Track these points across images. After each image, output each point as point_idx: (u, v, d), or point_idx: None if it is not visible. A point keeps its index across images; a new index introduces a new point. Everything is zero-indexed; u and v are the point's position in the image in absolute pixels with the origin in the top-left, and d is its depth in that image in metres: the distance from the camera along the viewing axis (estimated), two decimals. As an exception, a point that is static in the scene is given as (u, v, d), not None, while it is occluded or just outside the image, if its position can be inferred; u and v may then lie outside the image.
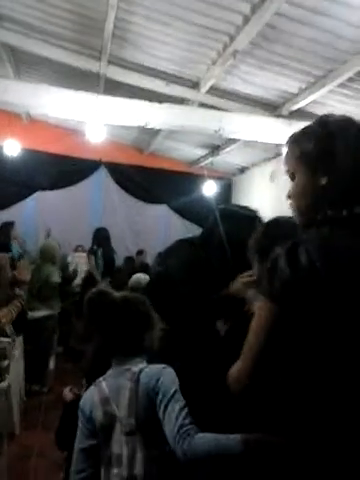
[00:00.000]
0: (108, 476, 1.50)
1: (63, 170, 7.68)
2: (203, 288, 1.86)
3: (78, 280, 6.53)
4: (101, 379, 1.59)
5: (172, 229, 8.30)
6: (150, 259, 7.29)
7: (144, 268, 6.13)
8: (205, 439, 1.34)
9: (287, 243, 1.10)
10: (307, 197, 1.18)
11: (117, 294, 1.75)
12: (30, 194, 7.81)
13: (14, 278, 3.64)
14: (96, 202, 8.15)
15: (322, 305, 1.04)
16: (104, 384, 1.56)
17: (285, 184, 1.26)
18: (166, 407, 1.42)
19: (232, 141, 6.42)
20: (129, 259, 7.23)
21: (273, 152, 6.49)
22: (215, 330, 1.87)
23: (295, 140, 1.22)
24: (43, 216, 7.62)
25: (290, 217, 1.29)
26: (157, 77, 5.02)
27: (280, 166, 1.31)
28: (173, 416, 1.39)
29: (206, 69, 4.64)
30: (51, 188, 7.85)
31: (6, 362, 3.22)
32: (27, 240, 6.97)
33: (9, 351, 3.32)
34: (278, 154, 6.13)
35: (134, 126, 5.44)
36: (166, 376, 1.48)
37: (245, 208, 2.07)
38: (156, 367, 1.54)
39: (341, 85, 4.20)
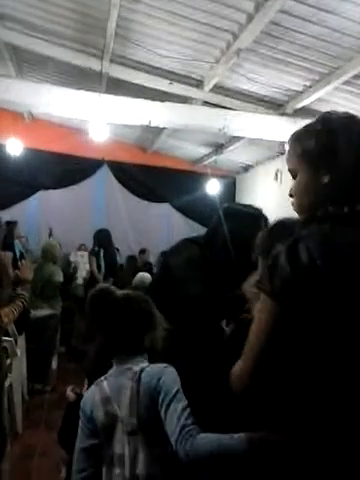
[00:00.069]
0: (110, 476, 1.49)
1: (66, 169, 7.69)
2: (207, 287, 1.84)
3: (79, 280, 6.53)
4: (102, 378, 1.58)
5: (175, 228, 8.30)
6: (153, 258, 7.30)
7: (147, 267, 6.12)
8: (207, 439, 1.32)
9: (288, 240, 1.09)
10: (309, 195, 1.17)
11: (120, 292, 1.74)
12: (33, 193, 7.83)
13: (16, 277, 3.64)
14: (99, 201, 8.15)
15: (323, 302, 1.04)
16: (105, 384, 1.55)
17: (289, 182, 1.25)
18: (168, 407, 1.40)
19: (236, 139, 6.40)
20: (132, 258, 7.22)
21: (277, 150, 6.46)
22: (219, 329, 1.85)
23: (297, 138, 1.21)
24: (46, 215, 7.63)
25: (297, 218, 1.27)
26: (160, 76, 5.00)
27: (284, 164, 1.29)
28: (175, 416, 1.38)
29: (210, 67, 4.62)
30: (54, 187, 7.86)
31: (8, 361, 3.22)
32: (30, 239, 6.99)
33: (11, 350, 3.32)
34: (282, 152, 6.11)
35: (137, 125, 5.43)
36: (168, 375, 1.47)
37: (249, 206, 2.06)
38: (157, 366, 1.52)
39: (346, 82, 4.18)
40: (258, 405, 1.26)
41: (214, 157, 7.56)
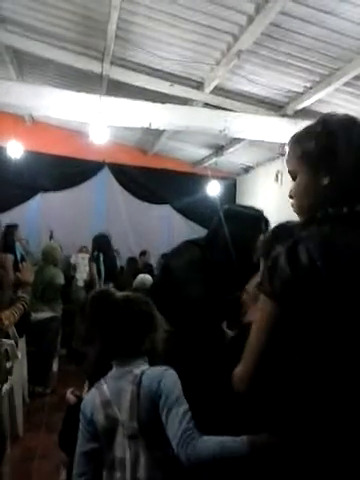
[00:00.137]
0: None
1: (66, 172, 7.69)
2: (208, 289, 1.84)
3: (80, 282, 6.52)
4: (102, 381, 1.57)
5: (176, 230, 8.29)
6: (153, 260, 7.30)
7: (147, 269, 6.12)
8: (209, 443, 1.32)
9: (287, 241, 1.09)
10: (309, 196, 1.17)
11: (119, 294, 1.73)
12: (33, 196, 7.83)
13: (17, 280, 3.64)
14: (99, 203, 8.16)
15: (323, 303, 1.04)
16: (105, 387, 1.54)
17: (290, 184, 1.26)
18: (169, 411, 1.39)
19: (237, 141, 6.40)
20: (132, 260, 7.22)
21: (278, 152, 6.45)
22: (220, 331, 1.85)
23: (297, 140, 1.21)
24: (46, 217, 7.62)
25: (299, 221, 1.28)
26: (161, 78, 5.01)
27: (285, 166, 1.29)
28: (176, 420, 1.37)
29: (210, 69, 4.63)
30: (54, 189, 7.86)
31: (9, 364, 3.21)
32: (30, 241, 6.98)
33: (12, 353, 3.31)
34: (283, 154, 6.11)
35: (138, 127, 5.43)
36: (168, 378, 1.46)
37: (250, 208, 2.06)
38: (158, 369, 1.51)
39: (347, 84, 4.18)
40: (259, 406, 1.26)
41: (215, 159, 7.56)
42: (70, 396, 2.07)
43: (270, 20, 3.41)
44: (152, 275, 5.04)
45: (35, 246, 6.78)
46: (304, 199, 1.19)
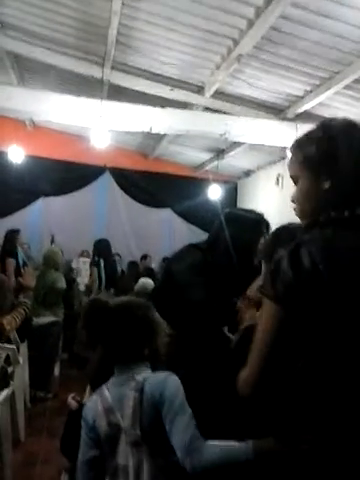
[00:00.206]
0: None
1: (67, 176, 7.71)
2: (210, 292, 1.84)
3: (81, 286, 6.52)
4: (104, 388, 1.55)
5: (177, 233, 8.30)
6: (155, 264, 7.29)
7: (149, 273, 6.11)
8: (214, 450, 1.30)
9: (290, 244, 1.10)
10: (311, 201, 1.18)
11: (112, 301, 1.69)
12: (34, 200, 7.85)
13: (19, 284, 3.64)
14: (100, 207, 8.17)
15: (325, 307, 1.04)
16: (107, 393, 1.52)
17: (290, 187, 1.27)
18: (172, 418, 1.38)
19: (237, 144, 6.41)
20: (133, 264, 7.21)
21: (279, 155, 6.47)
22: (222, 335, 1.85)
23: (298, 145, 1.23)
24: (48, 222, 7.63)
25: (300, 223, 1.28)
26: (161, 82, 5.02)
27: (285, 169, 1.30)
28: (181, 428, 1.35)
29: (210, 73, 4.64)
30: (55, 194, 7.88)
31: (11, 369, 3.20)
32: (31, 246, 6.98)
33: (14, 358, 3.30)
34: (283, 157, 6.11)
35: (138, 131, 5.44)
36: (170, 384, 1.44)
37: (251, 211, 2.06)
38: (160, 375, 1.49)
39: (347, 87, 4.19)
40: (264, 410, 1.26)
41: (215, 162, 7.57)
42: (71, 401, 2.07)
43: (270, 24, 3.42)
44: (153, 279, 5.03)
45: (36, 251, 6.78)
46: (306, 203, 1.20)
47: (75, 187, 7.97)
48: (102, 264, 6.01)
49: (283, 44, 3.78)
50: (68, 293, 5.61)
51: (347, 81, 4.02)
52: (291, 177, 1.25)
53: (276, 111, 5.14)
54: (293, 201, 1.24)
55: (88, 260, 6.65)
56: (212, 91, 4.86)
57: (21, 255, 6.00)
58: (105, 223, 7.84)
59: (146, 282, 4.77)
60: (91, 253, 6.55)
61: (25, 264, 5.57)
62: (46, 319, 4.87)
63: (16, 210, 7.62)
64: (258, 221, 1.97)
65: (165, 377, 1.47)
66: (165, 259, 6.95)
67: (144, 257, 7.50)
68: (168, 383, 1.44)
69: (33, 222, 7.62)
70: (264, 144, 5.45)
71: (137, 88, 5.10)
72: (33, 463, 3.41)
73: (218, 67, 4.42)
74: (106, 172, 8.18)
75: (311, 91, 4.49)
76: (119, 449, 1.46)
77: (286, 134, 4.85)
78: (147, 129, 4.92)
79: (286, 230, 1.49)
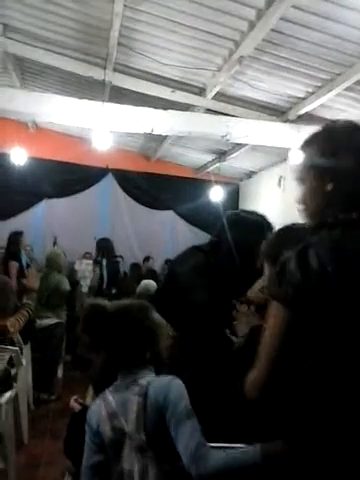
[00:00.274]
0: None
1: (70, 178, 7.72)
2: (213, 294, 1.84)
3: (85, 288, 6.52)
4: (107, 392, 1.54)
5: (179, 235, 8.30)
6: (157, 265, 7.29)
7: (151, 274, 6.12)
8: (221, 456, 1.29)
9: (297, 246, 1.10)
10: (315, 202, 1.19)
11: (111, 305, 1.68)
12: (37, 202, 7.85)
13: (23, 286, 3.65)
14: (103, 209, 8.17)
15: (333, 308, 1.04)
16: (111, 398, 1.51)
17: (293, 188, 1.27)
18: (177, 424, 1.36)
19: (239, 146, 6.41)
20: (136, 266, 7.22)
21: (280, 157, 6.46)
22: (225, 337, 1.85)
23: (302, 147, 1.24)
24: (50, 224, 7.64)
25: (304, 223, 1.28)
26: (163, 84, 5.03)
27: (288, 170, 1.31)
28: (186, 434, 1.34)
29: (212, 75, 4.65)
30: (58, 196, 7.89)
31: (14, 370, 3.21)
32: (34, 248, 7.00)
33: (17, 359, 3.31)
34: (285, 158, 6.11)
35: (140, 133, 5.45)
36: (174, 389, 1.42)
37: (253, 213, 2.06)
38: (164, 379, 1.48)
39: (348, 88, 4.18)
40: (271, 413, 1.25)
41: (217, 164, 7.57)
42: (73, 404, 2.07)
43: (271, 26, 3.43)
44: (156, 281, 5.03)
45: (39, 253, 6.80)
46: (310, 205, 1.21)
47: (78, 189, 7.97)
48: (104, 263, 6.02)
49: (284, 46, 3.78)
50: (71, 295, 5.62)
51: (348, 83, 4.02)
52: (296, 179, 1.26)
53: (278, 113, 5.14)
54: (298, 202, 1.25)
55: (91, 262, 6.66)
56: (214, 93, 4.86)
57: (24, 257, 6.02)
58: (108, 225, 7.84)
59: (148, 284, 4.78)
60: (94, 255, 6.56)
61: (28, 266, 5.58)
62: (49, 321, 4.88)
63: (19, 212, 7.63)
64: (260, 223, 1.98)
65: (169, 381, 1.45)
66: (167, 261, 6.97)
67: (146, 259, 7.50)
68: (172, 387, 1.43)
69: (36, 224, 7.62)
70: (266, 145, 5.45)
71: (139, 90, 5.11)
72: (36, 465, 3.41)
73: (219, 69, 4.43)
74: (109, 174, 8.19)
75: (313, 93, 4.49)
76: (124, 454, 1.45)
77: (288, 136, 4.85)
78: (149, 131, 4.93)
79: (289, 231, 1.49)
